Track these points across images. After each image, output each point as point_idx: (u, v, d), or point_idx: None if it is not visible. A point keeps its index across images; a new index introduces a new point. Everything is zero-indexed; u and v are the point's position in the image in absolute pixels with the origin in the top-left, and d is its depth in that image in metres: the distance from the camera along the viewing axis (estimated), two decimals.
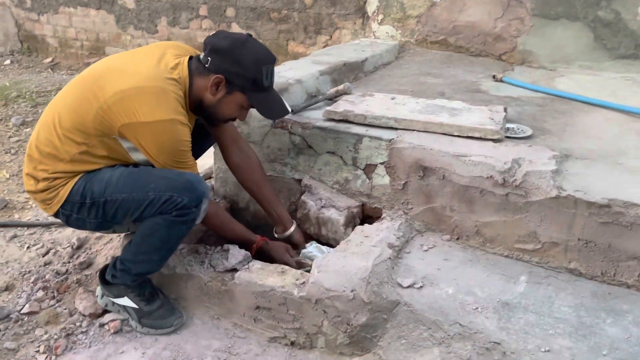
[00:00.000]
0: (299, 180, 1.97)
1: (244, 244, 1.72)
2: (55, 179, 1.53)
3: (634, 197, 1.44)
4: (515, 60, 2.81)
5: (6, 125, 3.21)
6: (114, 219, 1.55)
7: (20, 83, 4.01)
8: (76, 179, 1.53)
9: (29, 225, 2.16)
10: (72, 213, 1.55)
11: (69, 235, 2.07)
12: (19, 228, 2.14)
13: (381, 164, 1.80)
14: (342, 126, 1.88)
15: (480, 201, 1.64)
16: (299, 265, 1.72)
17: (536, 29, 2.72)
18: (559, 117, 2.06)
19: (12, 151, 2.86)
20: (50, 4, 4.44)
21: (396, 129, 1.84)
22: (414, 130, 1.82)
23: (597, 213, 1.46)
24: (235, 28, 3.57)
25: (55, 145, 1.51)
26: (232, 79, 1.51)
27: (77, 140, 1.50)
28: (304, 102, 2.10)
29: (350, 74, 2.48)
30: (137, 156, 1.55)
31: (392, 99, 2.05)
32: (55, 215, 1.59)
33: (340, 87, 2.15)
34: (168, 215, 1.50)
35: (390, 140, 1.77)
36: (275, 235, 1.85)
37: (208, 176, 2.37)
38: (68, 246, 1.99)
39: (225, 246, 1.72)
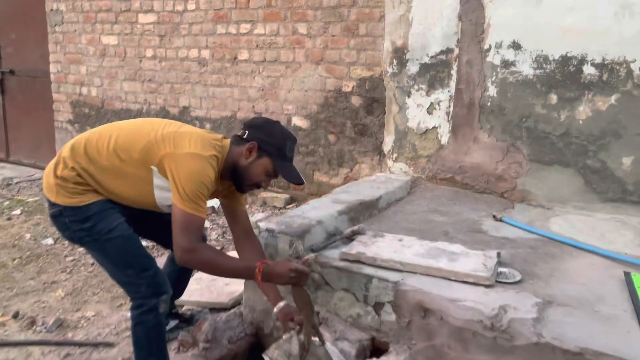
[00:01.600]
0: (318, 313, 2.25)
1: (246, 274, 1.91)
2: (79, 183, 1.85)
3: (604, 347, 1.66)
4: (515, 198, 3.13)
5: (62, 244, 3.61)
6: (88, 248, 1.98)
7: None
8: (95, 199, 1.88)
9: (80, 344, 2.45)
10: (67, 218, 1.87)
11: (115, 355, 2.36)
12: (71, 347, 2.44)
13: (388, 302, 2.07)
14: (355, 267, 2.18)
15: (473, 342, 1.88)
16: (305, 264, 1.99)
17: (533, 172, 3.06)
18: (549, 260, 2.32)
19: (68, 270, 3.23)
20: None
21: (401, 271, 2.14)
22: (416, 273, 2.12)
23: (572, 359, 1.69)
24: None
25: (101, 153, 1.87)
26: (263, 146, 1.90)
27: (121, 157, 1.86)
28: (323, 241, 2.43)
29: (365, 211, 2.82)
30: (159, 194, 1.89)
31: (400, 240, 2.37)
32: (53, 204, 1.88)
33: (356, 227, 2.48)
34: (133, 308, 1.95)
35: (395, 282, 2.06)
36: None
37: (237, 302, 2.66)
38: None
39: None
